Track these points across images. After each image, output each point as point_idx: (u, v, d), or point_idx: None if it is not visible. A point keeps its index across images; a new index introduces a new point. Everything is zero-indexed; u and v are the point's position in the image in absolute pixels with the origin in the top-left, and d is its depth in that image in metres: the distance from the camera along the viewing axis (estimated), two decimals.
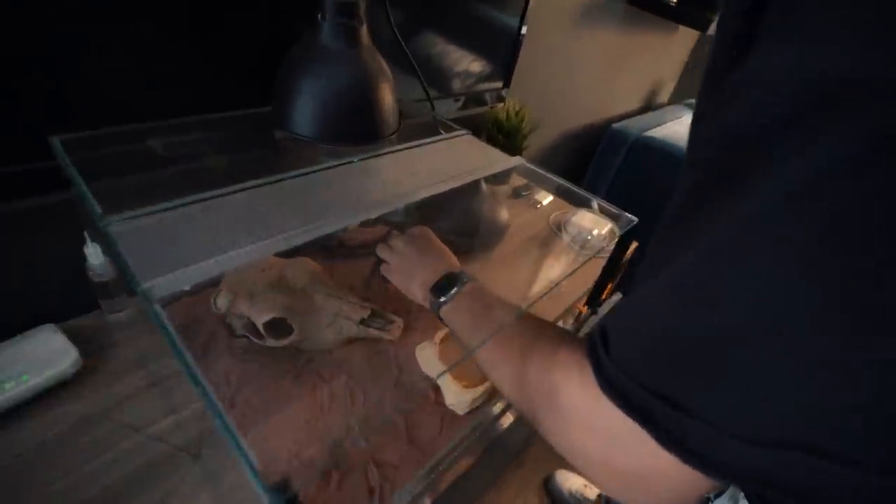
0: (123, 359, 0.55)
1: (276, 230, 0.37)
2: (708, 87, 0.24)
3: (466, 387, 0.56)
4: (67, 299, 0.58)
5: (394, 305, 0.63)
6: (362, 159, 0.50)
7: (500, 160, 0.57)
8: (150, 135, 0.48)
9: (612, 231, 1.02)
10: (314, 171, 0.46)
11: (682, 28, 1.73)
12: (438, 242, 0.55)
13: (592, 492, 1.28)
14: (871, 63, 0.17)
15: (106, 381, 0.53)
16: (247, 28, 0.55)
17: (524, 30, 0.93)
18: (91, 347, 0.55)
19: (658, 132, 1.47)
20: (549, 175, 0.63)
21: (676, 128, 1.55)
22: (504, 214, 0.86)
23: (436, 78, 0.83)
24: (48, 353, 0.52)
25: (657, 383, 0.25)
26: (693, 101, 2.09)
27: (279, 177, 0.44)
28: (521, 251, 0.93)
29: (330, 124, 0.48)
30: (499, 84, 0.96)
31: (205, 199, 0.39)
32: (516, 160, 0.58)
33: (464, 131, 0.62)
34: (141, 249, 0.32)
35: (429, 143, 0.57)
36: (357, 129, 0.50)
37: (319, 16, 0.47)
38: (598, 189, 1.49)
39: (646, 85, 1.88)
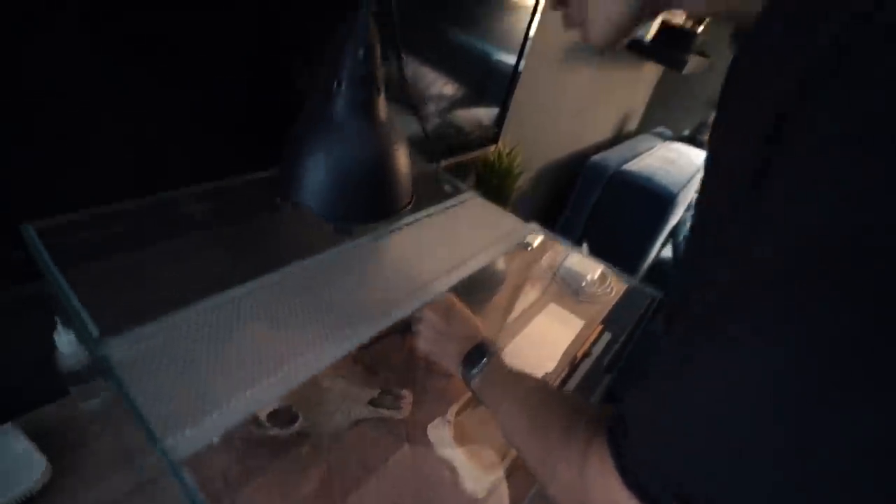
0: (100, 458, 0.48)
1: (299, 349, 0.33)
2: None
3: (485, 468, 0.53)
4: (30, 388, 0.51)
5: (398, 375, 0.59)
6: (374, 240, 0.47)
7: (515, 229, 0.55)
8: (138, 216, 0.43)
9: (603, 275, 1.03)
10: (325, 256, 0.42)
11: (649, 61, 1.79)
12: (464, 310, 0.56)
13: None
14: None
15: (82, 487, 0.46)
16: (245, 80, 0.51)
17: (520, 69, 0.92)
18: (61, 447, 0.48)
19: (634, 165, 1.50)
20: (559, 238, 0.61)
21: (649, 160, 1.59)
22: (501, 264, 0.84)
23: (430, 122, 0.80)
24: (9, 464, 0.44)
25: (680, 482, 0.23)
26: (661, 129, 2.17)
27: (290, 268, 0.40)
28: (519, 299, 0.91)
29: (343, 203, 0.45)
30: (492, 127, 0.95)
31: (213, 307, 0.34)
32: (532, 227, 0.56)
33: (469, 193, 0.60)
34: (151, 388, 0.28)
35: (439, 212, 0.54)
36: (371, 207, 0.46)
37: (335, 84, 0.43)
38: (578, 222, 1.50)
39: (618, 115, 1.94)
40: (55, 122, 0.39)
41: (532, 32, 0.88)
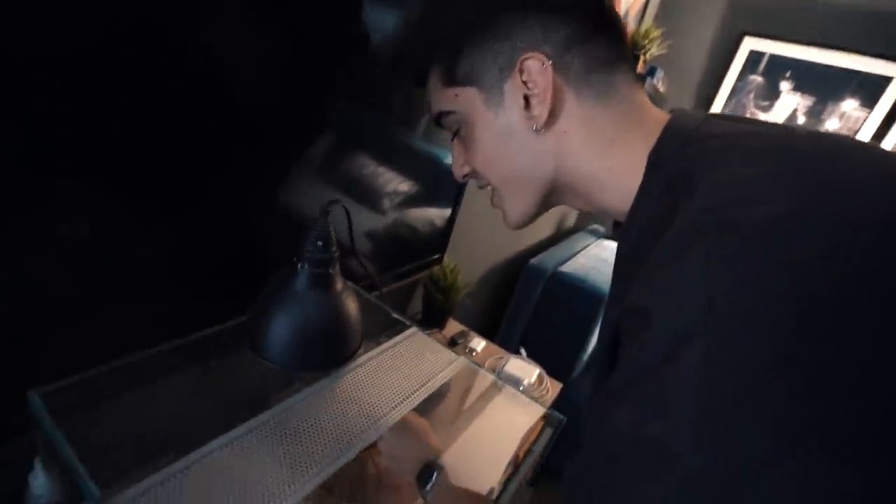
0: None
1: (278, 488, 0.42)
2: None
3: None
4: None
5: (351, 491, 0.66)
6: (332, 382, 0.57)
7: (448, 362, 0.67)
8: (123, 376, 0.51)
9: (540, 377, 1.14)
10: (292, 400, 0.52)
11: None
12: (419, 427, 0.64)
13: None
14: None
15: None
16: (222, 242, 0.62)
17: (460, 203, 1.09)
18: None
19: (569, 266, 1.68)
20: (485, 372, 0.73)
21: (583, 261, 1.78)
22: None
23: (385, 256, 0.94)
24: None
25: None
26: (595, 226, 2.42)
27: (261, 419, 0.49)
28: (464, 404, 1.00)
29: (303, 356, 0.55)
30: (436, 255, 1.09)
31: (194, 461, 0.43)
32: (460, 362, 0.68)
33: (411, 328, 0.71)
34: None
35: (387, 349, 0.65)
36: (327, 358, 0.57)
37: (299, 265, 0.55)
38: (520, 322, 1.64)
39: (555, 216, 2.17)
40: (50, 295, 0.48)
41: None
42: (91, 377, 0.49)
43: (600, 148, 0.42)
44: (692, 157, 0.35)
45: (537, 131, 0.42)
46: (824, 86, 1.85)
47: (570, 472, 0.33)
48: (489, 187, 0.50)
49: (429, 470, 0.59)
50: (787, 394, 0.25)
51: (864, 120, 1.81)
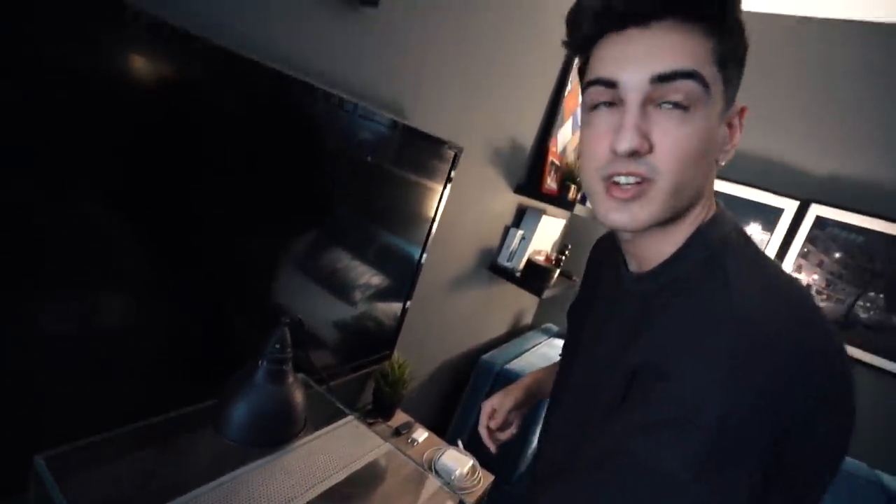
0: None
1: None
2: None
3: None
4: None
5: None
6: (279, 457, 0.71)
7: (377, 445, 0.82)
8: (107, 446, 0.65)
9: (473, 468, 1.26)
10: (246, 472, 0.66)
11: None
12: None
13: None
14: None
15: None
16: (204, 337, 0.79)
17: (408, 304, 1.28)
18: None
19: (517, 364, 1.84)
20: (412, 461, 0.87)
21: (531, 358, 1.95)
22: (384, 461, 1.06)
23: (338, 351, 1.10)
24: None
25: None
26: (548, 325, 2.62)
27: (222, 480, 0.63)
28: (398, 492, 1.11)
29: (256, 436, 0.70)
30: (385, 351, 1.26)
31: None
32: (385, 447, 0.83)
33: (349, 417, 0.87)
34: None
35: (322, 434, 0.80)
36: (275, 438, 0.72)
37: (259, 361, 0.73)
38: (473, 414, 1.76)
39: (510, 315, 2.37)
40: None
41: (433, 231, 1.21)
42: (80, 446, 0.63)
43: (707, 194, 0.50)
44: (735, 249, 0.48)
45: (718, 161, 0.49)
46: (731, 211, 2.19)
47: (563, 491, 0.46)
48: (632, 177, 0.46)
49: None
50: (761, 460, 0.36)
51: (767, 241, 2.13)
